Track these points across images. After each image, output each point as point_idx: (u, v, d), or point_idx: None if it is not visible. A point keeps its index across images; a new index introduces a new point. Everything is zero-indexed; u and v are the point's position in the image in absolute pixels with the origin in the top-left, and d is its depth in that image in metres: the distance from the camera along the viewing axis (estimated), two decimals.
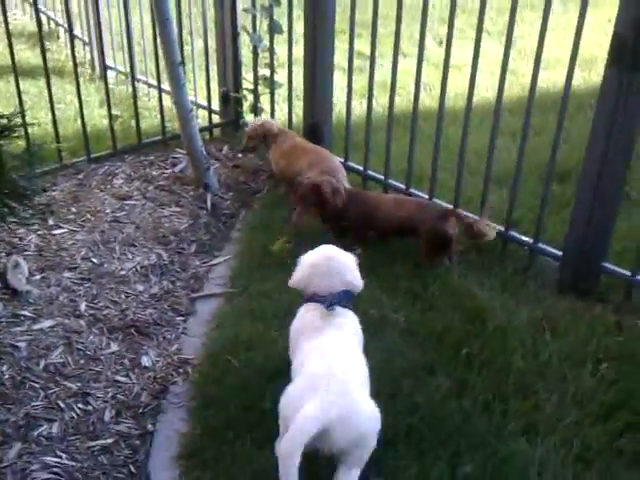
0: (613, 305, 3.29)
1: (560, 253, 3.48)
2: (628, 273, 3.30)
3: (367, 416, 2.19)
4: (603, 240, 3.34)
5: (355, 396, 2.19)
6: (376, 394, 2.54)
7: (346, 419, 2.11)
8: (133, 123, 4.72)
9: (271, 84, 4.76)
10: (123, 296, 3.39)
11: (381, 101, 5.14)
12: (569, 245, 3.43)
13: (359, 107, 5.36)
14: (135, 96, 4.66)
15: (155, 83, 4.85)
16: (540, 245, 3.58)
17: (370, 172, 4.31)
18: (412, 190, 4.10)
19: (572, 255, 3.41)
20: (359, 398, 2.20)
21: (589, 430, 2.59)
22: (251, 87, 4.94)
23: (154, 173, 4.48)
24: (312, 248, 3.68)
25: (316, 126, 4.55)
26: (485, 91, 5.55)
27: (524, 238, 3.64)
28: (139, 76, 5.40)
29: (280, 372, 2.89)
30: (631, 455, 2.51)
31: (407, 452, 2.51)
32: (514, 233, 3.68)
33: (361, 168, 4.34)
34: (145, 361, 3.04)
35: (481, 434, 2.58)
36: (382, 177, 4.23)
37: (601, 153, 3.18)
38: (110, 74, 5.71)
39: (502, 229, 3.68)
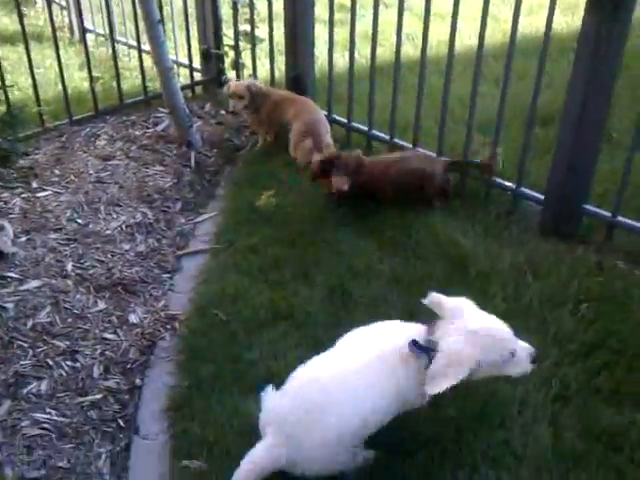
0: (595, 246, 3.31)
1: (542, 197, 3.49)
2: (609, 214, 3.32)
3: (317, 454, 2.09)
4: (584, 183, 3.35)
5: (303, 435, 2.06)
6: None
7: (296, 458, 2.07)
8: (114, 84, 4.68)
9: (252, 39, 4.71)
10: (109, 255, 3.41)
11: (364, 52, 5.09)
12: (551, 188, 3.43)
13: (342, 59, 5.30)
14: (115, 57, 4.61)
15: (135, 44, 4.79)
16: (523, 189, 3.58)
17: (354, 124, 4.30)
18: (396, 140, 4.09)
19: (554, 198, 3.42)
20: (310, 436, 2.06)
21: (568, 369, 2.64)
22: (232, 43, 4.88)
23: (137, 133, 4.46)
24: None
25: (299, 79, 4.52)
26: (468, 39, 5.49)
27: (507, 183, 3.65)
28: (118, 37, 5.34)
29: (265, 324, 2.95)
30: (608, 392, 2.55)
31: None
32: (497, 179, 3.68)
33: (345, 120, 4.32)
34: (133, 318, 3.07)
35: None
36: (366, 128, 4.22)
37: (581, 97, 3.16)
38: (89, 37, 5.64)
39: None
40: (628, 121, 3.96)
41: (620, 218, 3.29)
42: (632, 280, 3.05)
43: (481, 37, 3.49)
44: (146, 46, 4.36)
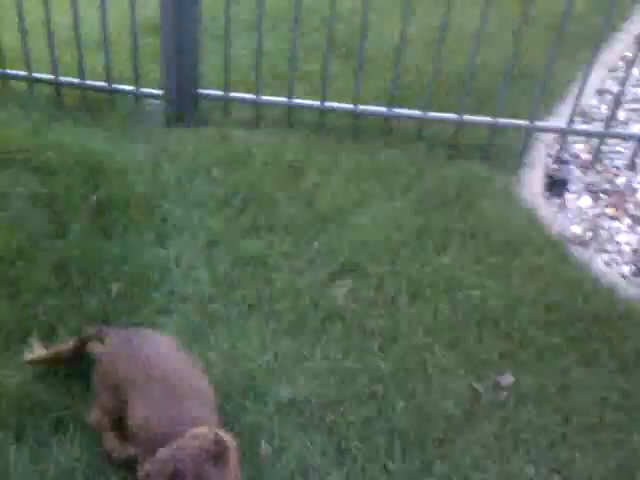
0: (216, 123, 3.68)
1: (161, 92, 3.72)
2: (221, 93, 3.70)
3: None
4: (193, 70, 3.67)
5: None
6: None
7: None
8: None
9: None
10: None
11: None
12: (166, 84, 3.68)
13: None
14: None
15: None
16: (142, 90, 3.77)
17: None
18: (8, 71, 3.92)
19: (171, 91, 3.67)
20: None
21: (212, 220, 2.96)
22: None
23: None
24: None
25: None
26: None
27: (127, 87, 3.79)
28: None
29: None
30: (248, 227, 2.95)
31: None
32: (116, 85, 3.78)
33: None
34: None
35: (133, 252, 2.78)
36: None
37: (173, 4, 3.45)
38: None
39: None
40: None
41: (231, 93, 3.69)
42: (250, 142, 3.49)
43: None
44: None
